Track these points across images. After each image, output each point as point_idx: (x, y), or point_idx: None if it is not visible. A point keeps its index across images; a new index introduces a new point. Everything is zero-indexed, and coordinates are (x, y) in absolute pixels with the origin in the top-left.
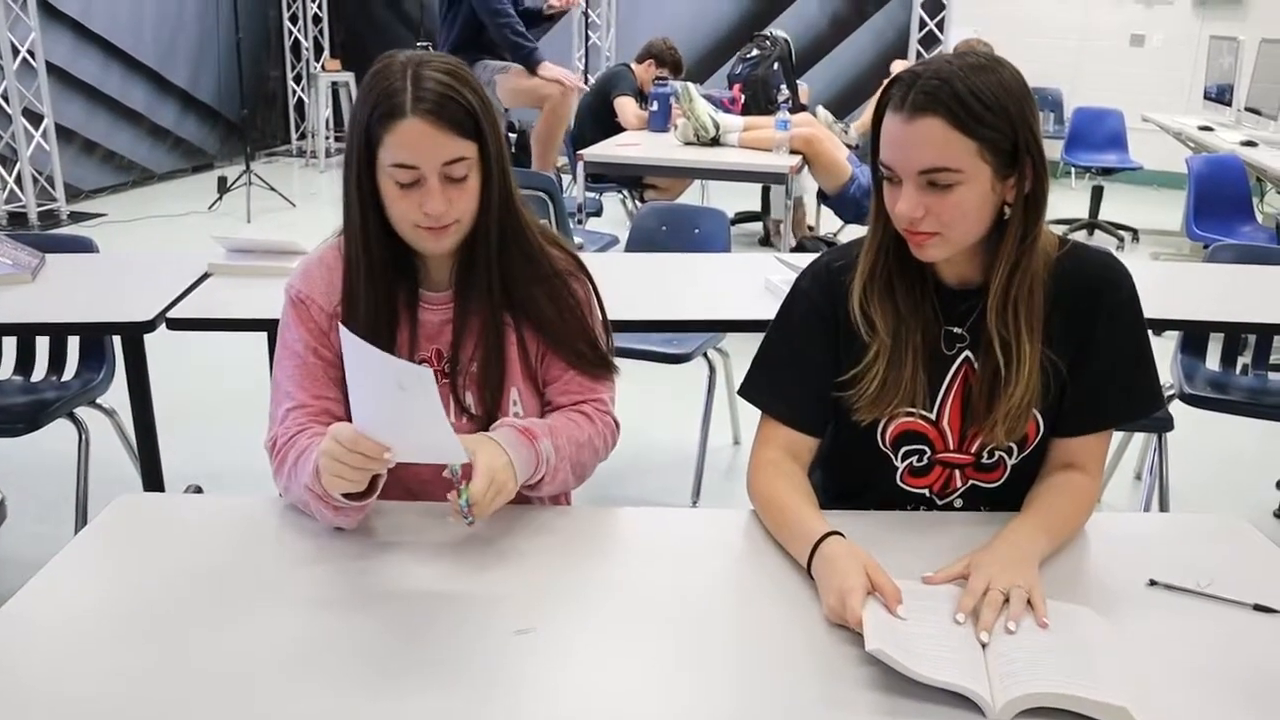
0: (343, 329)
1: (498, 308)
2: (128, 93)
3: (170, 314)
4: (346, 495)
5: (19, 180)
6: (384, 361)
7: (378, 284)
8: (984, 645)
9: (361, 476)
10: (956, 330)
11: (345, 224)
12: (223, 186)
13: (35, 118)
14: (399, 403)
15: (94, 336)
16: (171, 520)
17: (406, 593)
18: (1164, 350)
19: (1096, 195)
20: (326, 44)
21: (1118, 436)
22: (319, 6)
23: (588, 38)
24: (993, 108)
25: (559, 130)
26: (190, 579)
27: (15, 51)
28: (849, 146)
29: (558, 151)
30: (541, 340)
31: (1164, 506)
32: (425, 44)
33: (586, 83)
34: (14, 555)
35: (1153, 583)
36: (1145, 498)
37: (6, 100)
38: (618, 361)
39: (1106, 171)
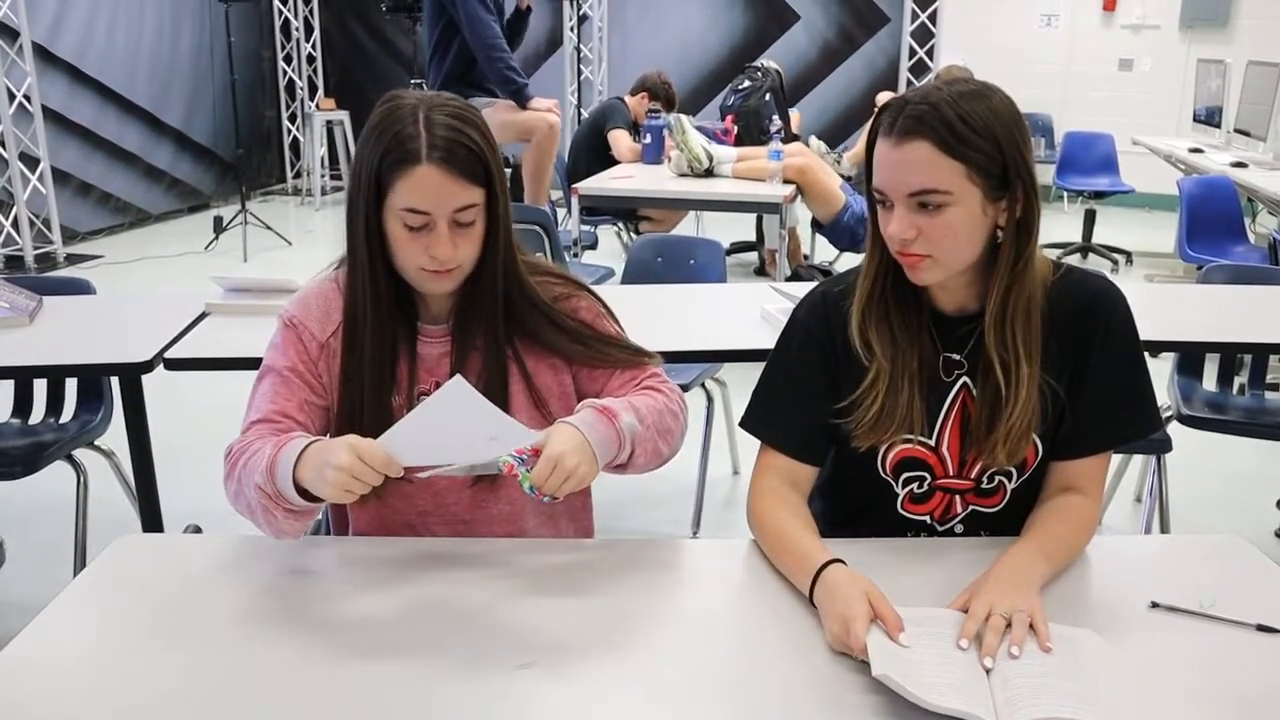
0: (459, 380)
1: (499, 343)
2: (123, 135)
3: (168, 354)
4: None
5: (15, 223)
6: (494, 417)
7: (381, 319)
8: (988, 670)
9: (367, 488)
10: (954, 357)
11: (350, 262)
12: (219, 226)
13: (32, 161)
14: (469, 439)
15: (92, 378)
16: (171, 560)
17: (407, 628)
18: (1160, 372)
19: (1089, 219)
20: (320, 83)
21: (1117, 459)
22: (313, 46)
23: (580, 72)
24: (980, 131)
25: (548, 163)
26: (190, 619)
27: (11, 96)
28: (842, 177)
29: (549, 184)
30: (565, 360)
31: (1164, 528)
32: (418, 81)
33: (579, 118)
34: (13, 598)
35: (1155, 605)
36: (1145, 520)
37: (3, 144)
38: None
39: (1098, 195)
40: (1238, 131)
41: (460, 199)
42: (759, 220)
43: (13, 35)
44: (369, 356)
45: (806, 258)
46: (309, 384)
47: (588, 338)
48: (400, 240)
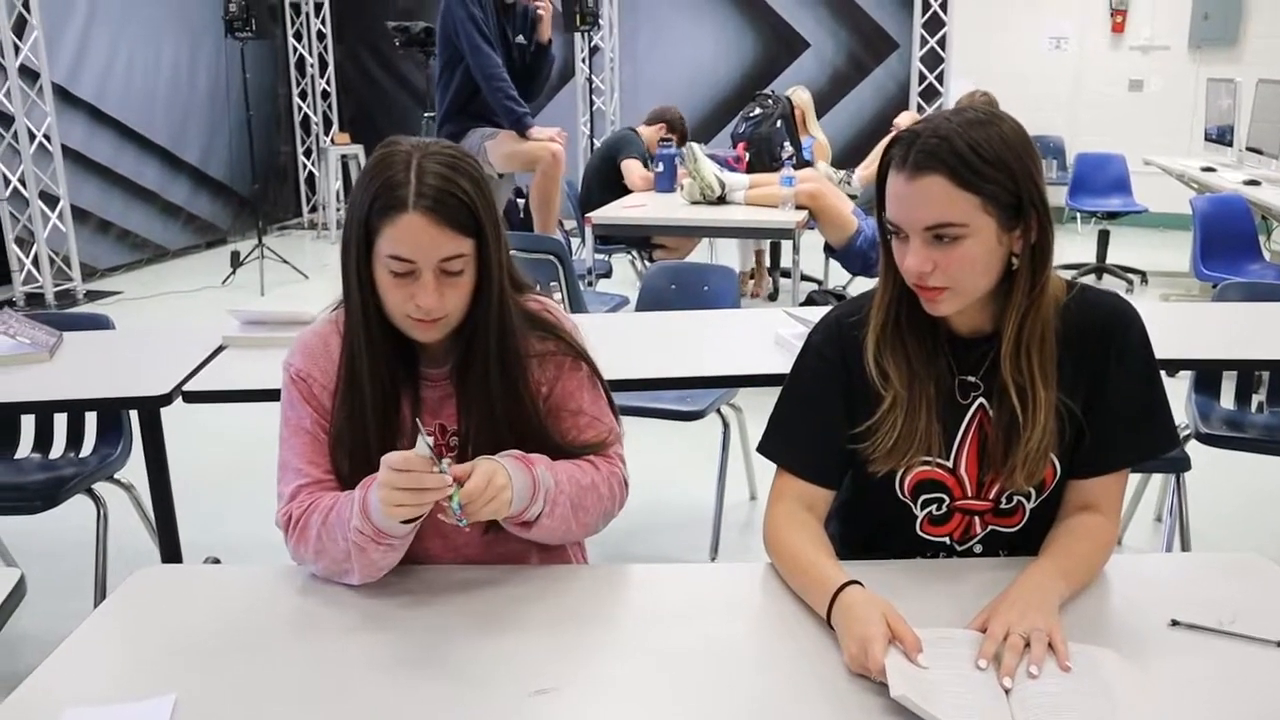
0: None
1: (496, 392)
2: (141, 172)
3: (186, 387)
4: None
5: (36, 261)
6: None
7: (379, 365)
8: (1007, 691)
9: (420, 499)
10: (970, 379)
11: (346, 307)
12: (236, 261)
13: (51, 199)
14: None
15: (111, 411)
16: (190, 592)
17: (424, 654)
18: (1178, 390)
19: (1103, 239)
20: (335, 118)
21: (1136, 478)
22: (327, 82)
23: (592, 103)
24: (993, 162)
25: (554, 192)
26: (210, 650)
27: (32, 136)
28: (850, 197)
29: (558, 213)
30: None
31: (1185, 546)
32: (431, 115)
33: (592, 147)
34: (34, 632)
35: (1175, 623)
36: (1166, 539)
37: (24, 184)
38: (624, 420)
39: (1111, 215)
40: (1250, 150)
41: (446, 249)
42: (773, 246)
43: (33, 77)
44: (369, 398)
45: (820, 283)
46: (332, 435)
47: (540, 432)
48: (387, 286)
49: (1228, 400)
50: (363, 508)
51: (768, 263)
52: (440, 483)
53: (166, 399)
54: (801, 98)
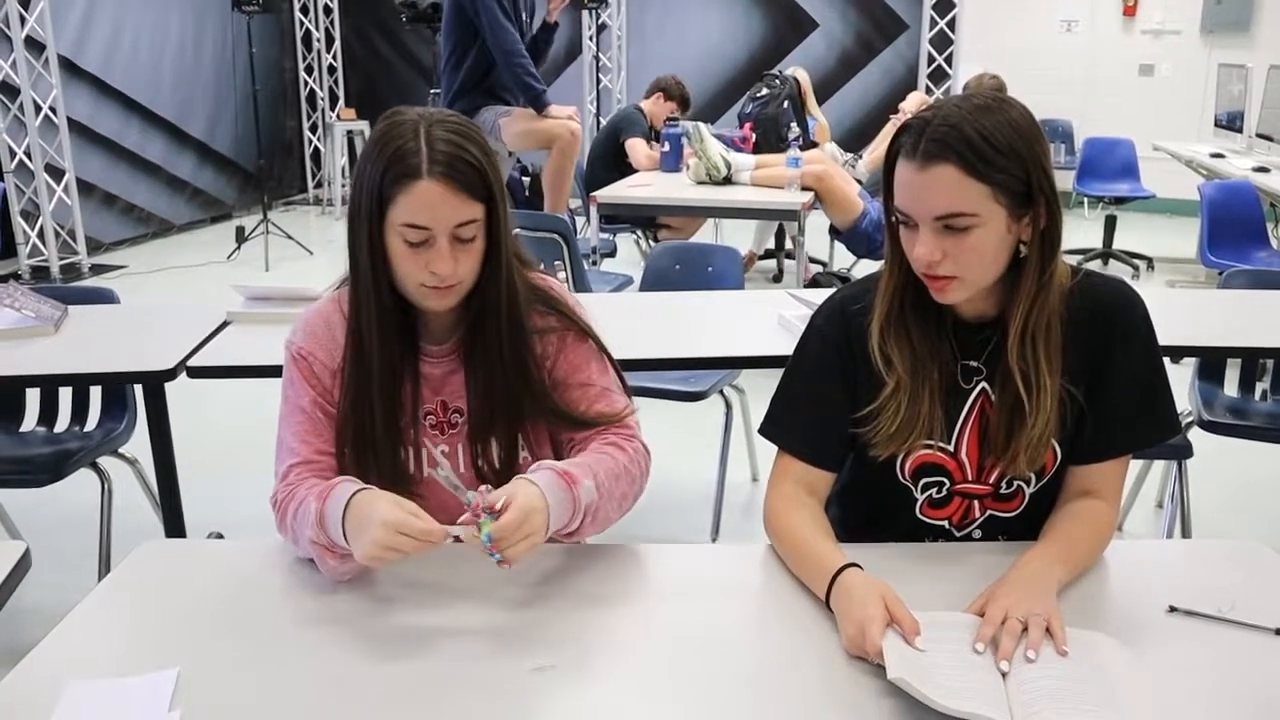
0: None
1: (507, 363)
2: (146, 146)
3: (190, 362)
4: None
5: (41, 234)
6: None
7: (386, 336)
8: (1004, 674)
9: (401, 558)
10: (973, 363)
11: (353, 281)
12: (241, 236)
13: (57, 172)
14: None
15: (116, 386)
16: (194, 566)
17: (425, 630)
18: (1181, 377)
19: (1110, 225)
20: (341, 94)
21: (1138, 464)
22: (334, 57)
23: (599, 81)
24: (1003, 150)
25: (569, 170)
26: (213, 624)
27: (38, 109)
28: (857, 181)
29: (569, 193)
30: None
31: (1186, 533)
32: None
33: (598, 126)
34: (38, 605)
35: (1173, 609)
36: (1167, 525)
37: (29, 156)
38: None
39: (1119, 201)
40: (1260, 136)
41: (461, 214)
42: (779, 228)
43: (39, 48)
44: (377, 375)
45: (825, 264)
46: (331, 415)
47: (549, 405)
48: (401, 256)
49: (1231, 387)
50: (319, 520)
51: (769, 245)
52: (439, 536)
53: (171, 374)
54: (802, 78)
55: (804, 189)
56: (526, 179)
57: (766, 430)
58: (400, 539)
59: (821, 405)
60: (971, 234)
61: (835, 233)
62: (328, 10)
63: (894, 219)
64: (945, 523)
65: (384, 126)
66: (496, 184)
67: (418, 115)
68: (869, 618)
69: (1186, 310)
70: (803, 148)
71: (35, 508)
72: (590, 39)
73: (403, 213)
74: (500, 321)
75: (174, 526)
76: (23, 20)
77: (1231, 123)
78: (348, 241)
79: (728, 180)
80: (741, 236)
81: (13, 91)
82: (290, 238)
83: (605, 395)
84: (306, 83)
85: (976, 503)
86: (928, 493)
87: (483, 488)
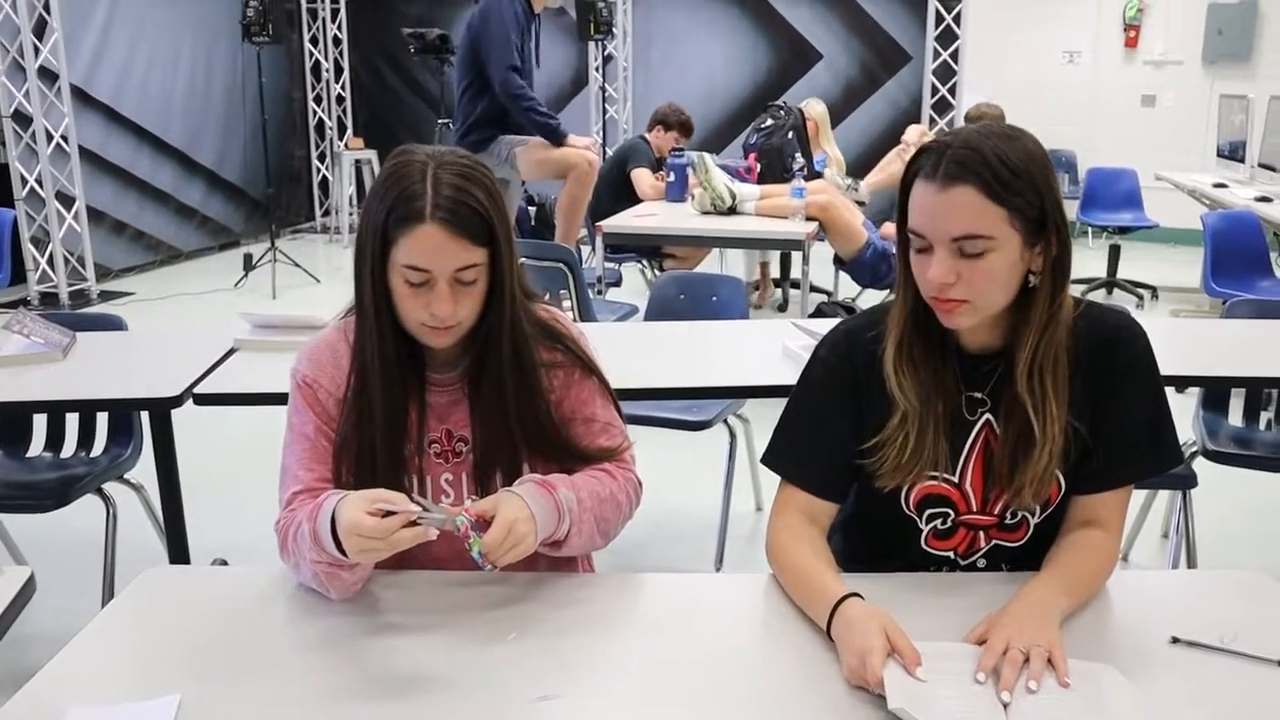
0: None
1: (511, 396)
2: (156, 174)
3: (197, 389)
4: None
5: (51, 261)
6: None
7: (389, 367)
8: (1005, 705)
9: (391, 550)
10: (977, 395)
11: (358, 311)
12: (248, 264)
13: (67, 200)
14: None
15: (122, 412)
16: (197, 593)
17: (428, 658)
18: (1186, 407)
19: (1114, 254)
20: (350, 123)
21: (1142, 494)
22: (342, 87)
23: (605, 111)
24: (1021, 175)
25: (584, 200)
26: (215, 651)
27: (49, 137)
28: (859, 204)
29: (581, 223)
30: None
31: (1191, 563)
32: (445, 121)
33: (604, 156)
34: (42, 630)
35: (1175, 640)
36: (1172, 556)
37: (40, 184)
38: (631, 429)
39: (1123, 230)
40: (1262, 166)
41: (461, 259)
42: (784, 257)
43: (52, 78)
44: (380, 404)
45: (829, 294)
46: (335, 443)
47: (553, 438)
48: (402, 295)
49: (1235, 417)
50: (313, 539)
51: (774, 273)
52: (418, 538)
53: (177, 401)
54: (816, 110)
55: (808, 219)
56: (533, 209)
57: (769, 460)
58: (369, 542)
59: (825, 436)
60: (986, 258)
61: (839, 262)
62: (337, 41)
63: (909, 243)
64: (950, 553)
65: (393, 166)
66: (501, 226)
67: (426, 156)
68: (870, 648)
69: (1191, 340)
70: (807, 178)
71: (40, 533)
72: (596, 70)
73: (404, 254)
74: (503, 357)
75: (178, 553)
76: (36, 50)
77: (1234, 153)
78: (354, 273)
79: (733, 210)
80: (743, 266)
81: (25, 120)
82: (298, 266)
83: (608, 430)
84: (315, 112)
85: (982, 533)
86: (933, 524)
87: (465, 505)
